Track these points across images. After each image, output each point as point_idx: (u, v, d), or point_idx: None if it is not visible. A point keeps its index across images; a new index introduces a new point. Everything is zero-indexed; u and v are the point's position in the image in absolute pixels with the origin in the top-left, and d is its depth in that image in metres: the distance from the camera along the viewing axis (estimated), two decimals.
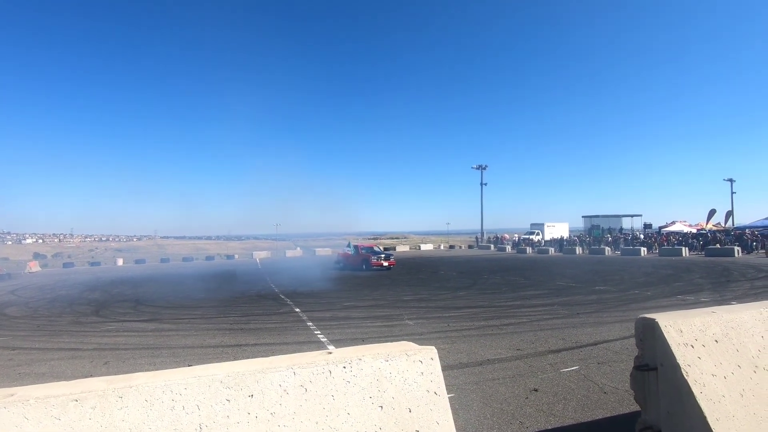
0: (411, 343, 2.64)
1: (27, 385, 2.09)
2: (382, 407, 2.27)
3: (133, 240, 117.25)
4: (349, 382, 2.27)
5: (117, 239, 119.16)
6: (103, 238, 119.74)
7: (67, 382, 2.09)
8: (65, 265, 42.10)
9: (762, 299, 6.46)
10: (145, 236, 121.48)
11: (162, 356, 7.00)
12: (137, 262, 44.97)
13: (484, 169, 57.62)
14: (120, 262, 44.48)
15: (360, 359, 2.35)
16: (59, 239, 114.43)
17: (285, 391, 2.17)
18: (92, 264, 44.25)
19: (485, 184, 57.81)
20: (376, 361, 2.37)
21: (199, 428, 2.00)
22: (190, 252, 65.41)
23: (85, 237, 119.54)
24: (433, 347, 2.51)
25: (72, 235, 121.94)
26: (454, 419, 2.61)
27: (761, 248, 29.11)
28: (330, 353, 2.42)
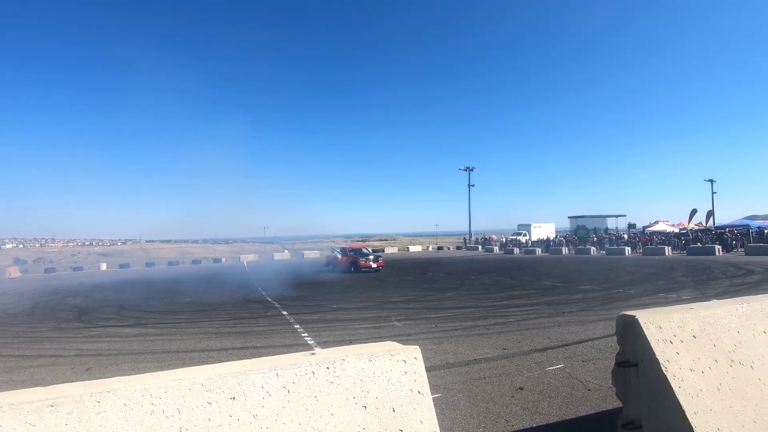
0: (395, 343, 2.64)
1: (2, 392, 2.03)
2: (365, 407, 2.26)
3: (117, 244, 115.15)
4: (332, 382, 2.27)
5: (101, 243, 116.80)
6: (87, 243, 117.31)
7: (42, 388, 2.04)
8: (47, 271, 41.13)
9: (741, 296, 6.62)
10: (129, 240, 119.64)
11: (146, 361, 6.89)
12: (121, 266, 44.14)
13: (472, 170, 58.15)
14: (104, 266, 43.59)
15: (343, 360, 2.34)
16: (41, 244, 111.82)
17: (267, 392, 2.15)
18: (75, 269, 43.29)
19: (473, 186, 58.31)
20: (360, 362, 2.36)
21: None
22: (176, 256, 64.46)
23: (68, 242, 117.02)
24: (417, 347, 2.52)
25: (54, 239, 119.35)
26: (440, 419, 2.62)
27: (740, 247, 29.85)
28: (313, 354, 2.41)
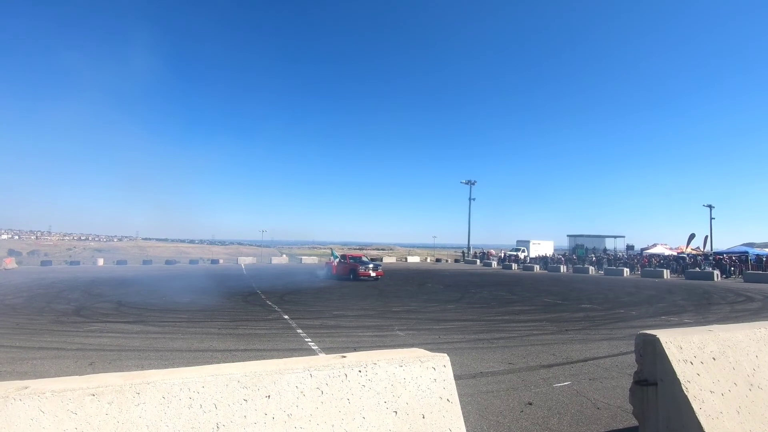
0: (423, 350, 2.66)
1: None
2: (396, 412, 2.28)
3: (113, 240, 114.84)
4: (364, 386, 2.28)
5: (96, 239, 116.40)
6: (82, 237, 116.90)
7: (82, 377, 2.05)
8: (43, 263, 40.89)
9: (742, 322, 6.65)
10: (125, 237, 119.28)
11: (149, 359, 6.85)
12: (118, 263, 43.92)
13: (473, 184, 58.28)
14: (100, 262, 43.37)
15: (375, 364, 2.36)
16: (36, 236, 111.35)
17: (302, 393, 2.17)
18: (71, 263, 43.12)
19: (473, 200, 58.42)
20: (391, 367, 2.38)
21: (216, 427, 1.99)
22: (172, 255, 64.35)
23: (64, 235, 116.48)
24: (446, 354, 2.54)
25: (50, 232, 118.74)
26: None
27: (739, 273, 29.90)
28: (344, 357, 2.43)
